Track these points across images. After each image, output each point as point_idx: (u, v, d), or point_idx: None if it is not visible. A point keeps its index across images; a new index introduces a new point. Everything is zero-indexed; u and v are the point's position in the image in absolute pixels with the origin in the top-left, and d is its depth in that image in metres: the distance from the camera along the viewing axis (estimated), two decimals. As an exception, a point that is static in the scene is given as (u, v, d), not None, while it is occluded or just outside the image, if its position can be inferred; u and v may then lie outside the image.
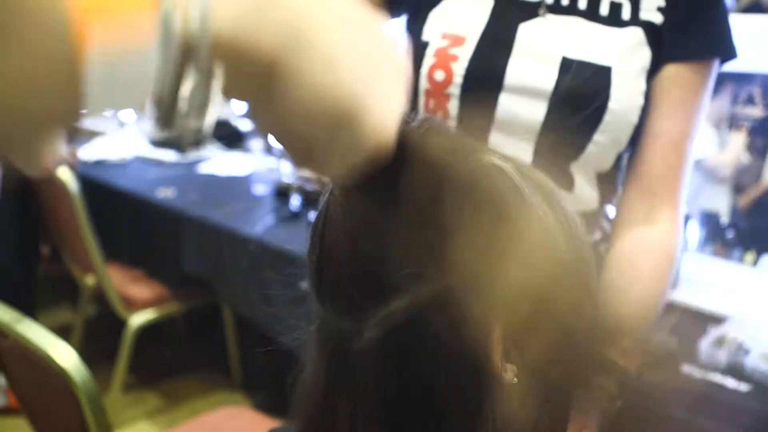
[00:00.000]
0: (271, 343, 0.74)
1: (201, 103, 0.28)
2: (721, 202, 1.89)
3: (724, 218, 1.88)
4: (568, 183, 0.99)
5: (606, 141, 0.97)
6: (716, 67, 1.00)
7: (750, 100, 1.83)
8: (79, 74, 0.25)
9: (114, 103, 0.27)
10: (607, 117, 0.95)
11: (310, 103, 0.30)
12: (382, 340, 0.53)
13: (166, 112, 0.28)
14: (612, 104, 0.94)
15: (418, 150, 0.53)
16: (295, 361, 0.66)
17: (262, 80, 0.29)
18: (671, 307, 1.74)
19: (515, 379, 0.55)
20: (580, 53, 0.95)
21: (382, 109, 0.34)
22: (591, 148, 0.97)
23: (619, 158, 1.02)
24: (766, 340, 1.48)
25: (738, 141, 1.86)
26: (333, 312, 0.57)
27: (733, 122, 1.86)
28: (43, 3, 0.24)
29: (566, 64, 0.95)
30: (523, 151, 0.98)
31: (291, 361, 0.67)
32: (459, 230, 0.53)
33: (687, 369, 1.47)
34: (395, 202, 0.53)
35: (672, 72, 0.97)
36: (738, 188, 1.86)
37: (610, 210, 1.09)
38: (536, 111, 0.96)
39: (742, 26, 1.75)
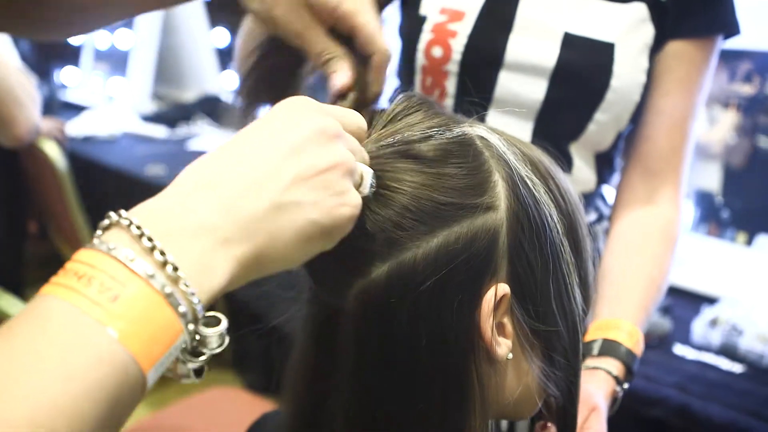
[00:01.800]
0: (261, 322, 0.73)
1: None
2: (712, 180, 1.88)
3: (718, 196, 1.87)
4: (567, 164, 0.97)
5: (607, 119, 0.95)
6: (719, 44, 0.98)
7: (741, 78, 1.81)
8: (144, 386, 0.36)
9: (160, 372, 0.38)
10: (609, 95, 0.92)
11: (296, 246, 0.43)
12: (363, 308, 0.52)
13: (196, 348, 0.40)
14: (614, 82, 0.92)
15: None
16: (285, 340, 0.65)
17: None
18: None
19: (510, 355, 0.53)
20: (582, 29, 0.93)
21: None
22: (592, 127, 0.95)
23: (618, 137, 1.00)
24: (760, 320, 1.47)
25: (728, 119, 1.85)
26: (321, 286, 0.56)
27: (723, 100, 1.85)
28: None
29: (568, 41, 0.92)
30: (522, 130, 0.95)
31: (282, 341, 0.66)
32: (438, 197, 0.51)
33: (681, 349, 1.47)
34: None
35: (675, 49, 0.95)
36: (728, 166, 1.85)
37: (606, 190, 1.07)
38: (536, 89, 0.94)
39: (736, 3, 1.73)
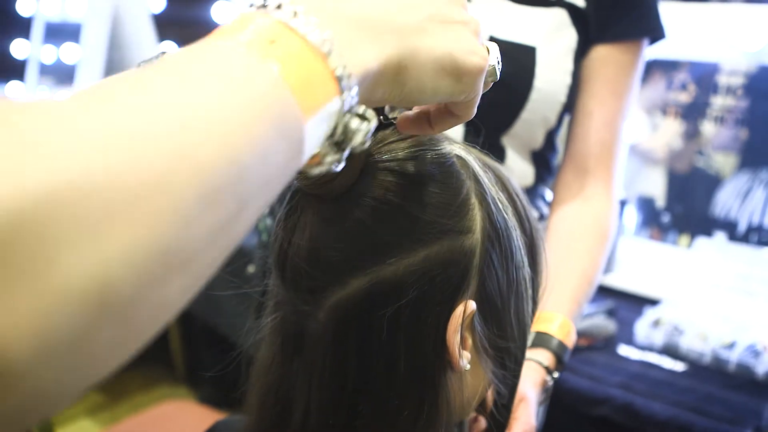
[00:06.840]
0: (215, 334, 0.74)
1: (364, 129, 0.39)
2: (656, 186, 1.94)
3: (660, 202, 1.93)
4: (499, 155, 1.01)
5: (533, 118, 0.98)
6: (645, 47, 1.02)
7: (679, 87, 1.88)
8: (301, 143, 0.35)
9: (312, 149, 0.37)
10: (534, 95, 0.96)
11: (431, 73, 0.44)
12: (341, 318, 0.54)
13: (343, 141, 0.39)
14: (538, 83, 0.96)
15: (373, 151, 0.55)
16: (240, 353, 0.66)
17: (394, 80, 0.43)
18: (609, 291, 1.79)
19: (468, 366, 0.56)
20: (506, 33, 0.97)
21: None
22: (519, 124, 0.98)
23: (551, 137, 1.04)
24: (699, 320, 1.52)
25: (670, 125, 1.91)
26: (294, 292, 0.57)
27: (664, 107, 1.91)
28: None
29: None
30: (454, 127, 0.99)
31: (236, 353, 0.67)
32: (421, 215, 0.53)
33: (625, 350, 1.51)
34: (356, 199, 0.53)
35: (601, 53, 0.99)
36: (672, 172, 1.91)
37: (546, 192, 1.11)
38: None
39: (671, 14, 1.80)
